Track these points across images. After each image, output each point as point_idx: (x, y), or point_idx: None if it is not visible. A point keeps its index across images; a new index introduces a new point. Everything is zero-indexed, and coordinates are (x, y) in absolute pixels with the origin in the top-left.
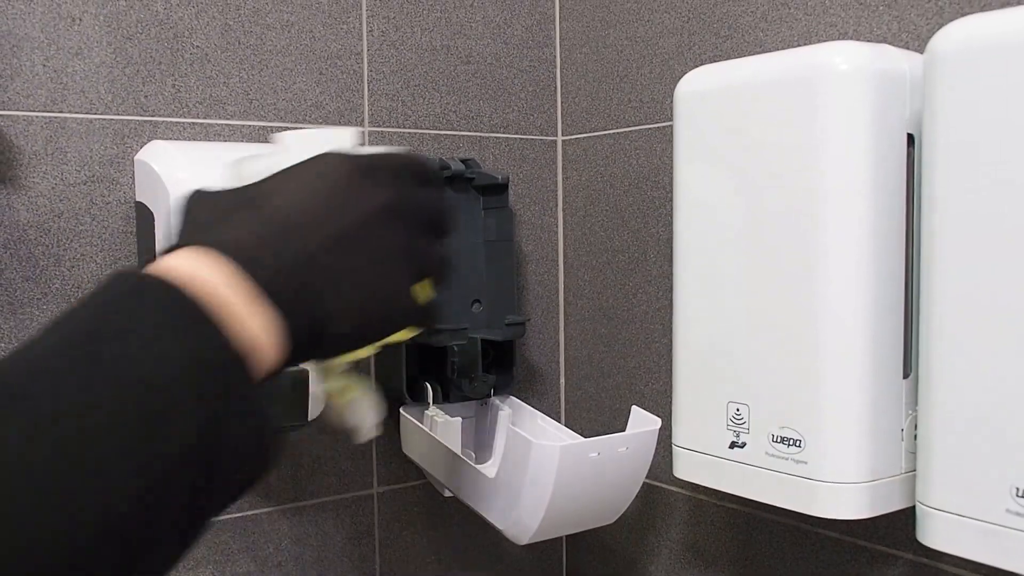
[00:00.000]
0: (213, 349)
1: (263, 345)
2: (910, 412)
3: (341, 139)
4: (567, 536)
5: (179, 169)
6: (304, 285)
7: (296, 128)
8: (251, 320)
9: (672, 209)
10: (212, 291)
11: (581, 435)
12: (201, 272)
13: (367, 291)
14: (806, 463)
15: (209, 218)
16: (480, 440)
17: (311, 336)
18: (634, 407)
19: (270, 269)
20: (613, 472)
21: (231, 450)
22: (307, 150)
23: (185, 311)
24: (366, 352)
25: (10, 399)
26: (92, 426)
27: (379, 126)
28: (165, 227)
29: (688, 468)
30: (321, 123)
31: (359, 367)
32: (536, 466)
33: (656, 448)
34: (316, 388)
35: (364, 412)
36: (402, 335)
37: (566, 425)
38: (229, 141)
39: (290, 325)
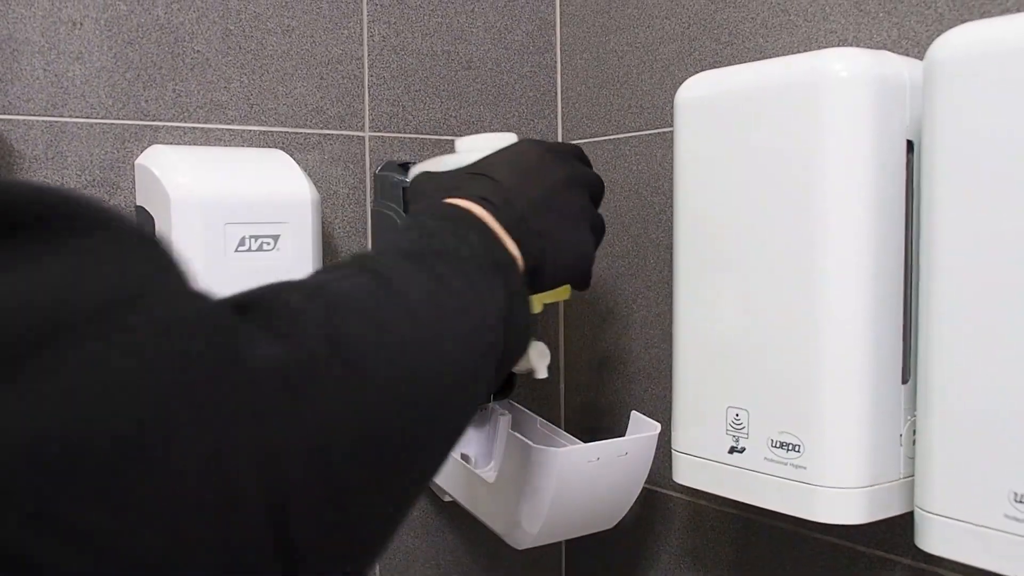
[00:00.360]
0: (503, 254)
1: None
2: (909, 417)
3: (511, 139)
4: (566, 541)
5: (180, 174)
6: (529, 228)
7: (298, 132)
8: (509, 244)
9: (672, 215)
10: (490, 221)
11: (581, 440)
12: (476, 210)
13: (566, 237)
14: (805, 468)
15: (444, 187)
16: (480, 445)
17: (534, 269)
18: (634, 412)
19: (509, 214)
20: (613, 477)
21: (518, 322)
22: (488, 148)
23: (484, 231)
24: (538, 307)
25: (410, 261)
26: (458, 289)
27: (380, 131)
28: (165, 232)
29: (687, 473)
30: (322, 128)
31: None
32: (536, 471)
33: (655, 453)
34: None
35: (540, 355)
36: (564, 293)
37: (566, 430)
38: (230, 146)
39: (524, 255)
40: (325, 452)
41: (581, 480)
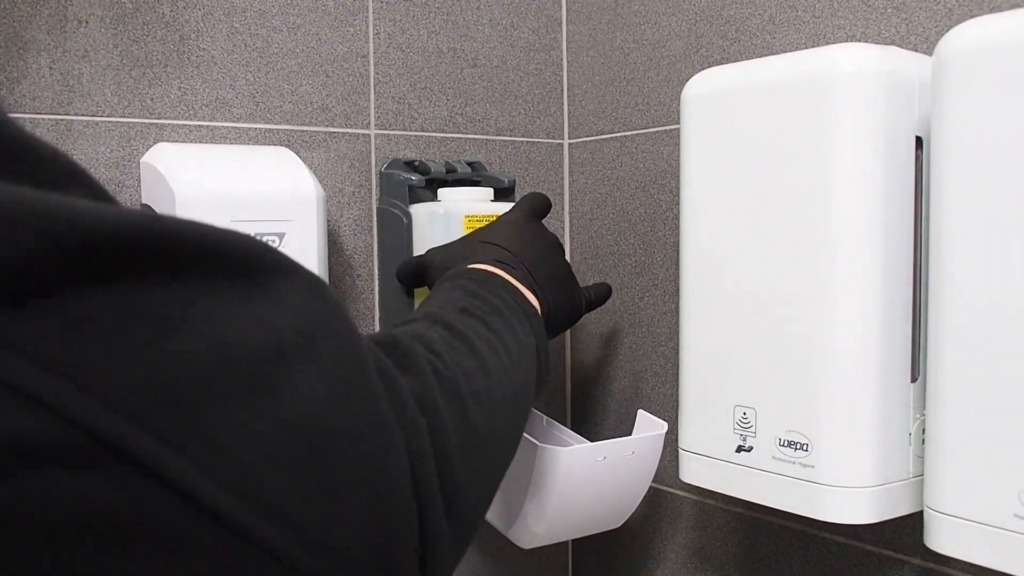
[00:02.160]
0: (529, 306)
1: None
2: (918, 416)
3: (487, 193)
4: (573, 541)
5: (185, 172)
6: (538, 284)
7: (304, 130)
8: (531, 298)
9: (679, 212)
10: (512, 280)
11: (588, 439)
12: (499, 272)
13: (564, 291)
14: (813, 467)
15: (461, 256)
16: None
17: (544, 320)
18: (640, 411)
19: (523, 274)
20: (619, 476)
21: (543, 364)
22: (465, 198)
23: (511, 289)
24: None
25: (469, 316)
26: (510, 339)
27: (385, 129)
28: None
29: (695, 472)
30: (327, 125)
31: None
32: (541, 470)
33: (663, 452)
34: None
35: None
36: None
37: (572, 429)
38: (235, 144)
39: (540, 307)
40: (445, 455)
41: (587, 479)
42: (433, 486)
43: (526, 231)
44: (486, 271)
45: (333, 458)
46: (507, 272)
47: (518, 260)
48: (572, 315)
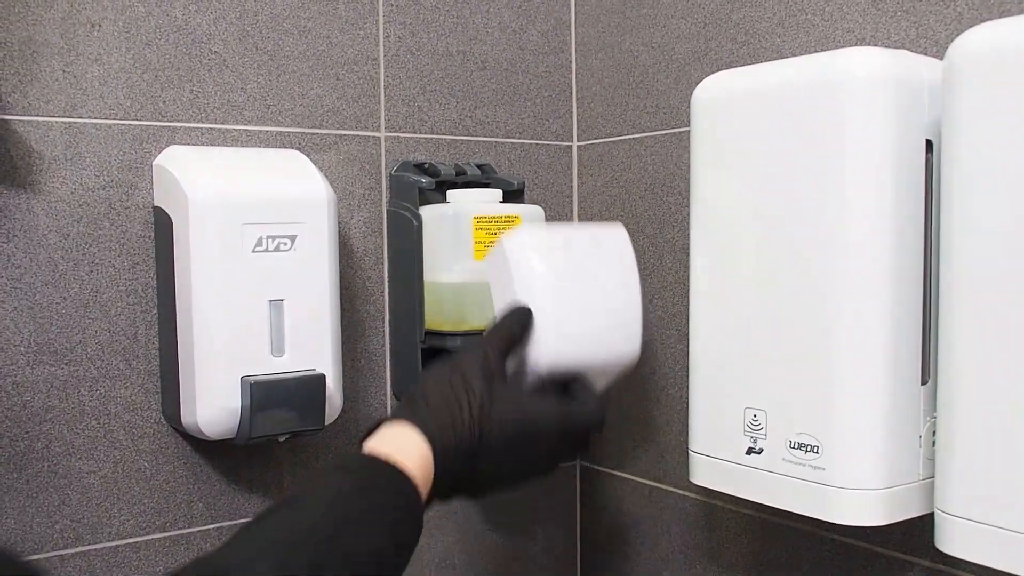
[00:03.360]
0: (418, 508)
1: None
2: (928, 418)
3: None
4: (581, 540)
5: (198, 174)
6: (475, 462)
7: (314, 132)
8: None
9: (688, 215)
10: (412, 479)
11: (597, 445)
12: (399, 464)
13: (521, 467)
14: (824, 469)
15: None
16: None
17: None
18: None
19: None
20: (597, 274)
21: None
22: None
23: (405, 496)
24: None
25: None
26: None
27: (395, 131)
28: (183, 232)
29: (705, 474)
30: (338, 128)
31: None
32: (512, 267)
33: (672, 454)
34: (332, 392)
35: None
36: None
37: None
38: (246, 146)
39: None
40: None
41: (562, 274)
42: None
43: (490, 387)
44: (385, 465)
45: None
46: (419, 452)
47: (460, 433)
48: (529, 478)
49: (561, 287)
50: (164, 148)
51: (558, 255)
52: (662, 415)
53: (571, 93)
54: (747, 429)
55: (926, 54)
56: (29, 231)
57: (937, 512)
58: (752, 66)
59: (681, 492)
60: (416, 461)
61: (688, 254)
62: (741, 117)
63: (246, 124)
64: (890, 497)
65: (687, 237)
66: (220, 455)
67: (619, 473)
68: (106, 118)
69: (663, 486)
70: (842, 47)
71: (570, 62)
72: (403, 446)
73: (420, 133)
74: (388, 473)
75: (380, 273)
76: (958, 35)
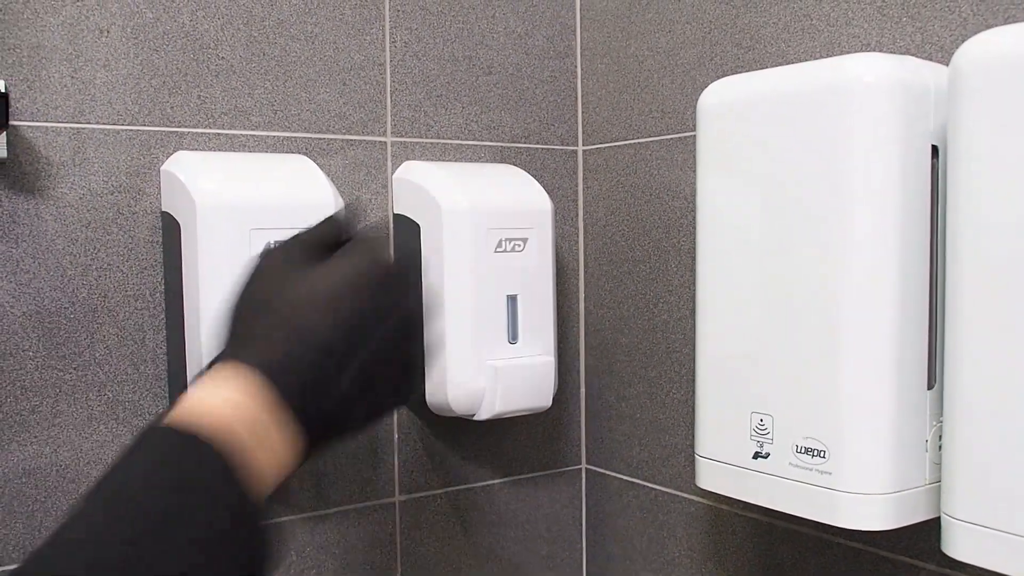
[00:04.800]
0: (251, 505)
1: (281, 460)
2: (935, 423)
3: None
4: (587, 545)
5: (206, 180)
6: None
7: (321, 137)
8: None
9: (693, 219)
10: (232, 429)
11: (603, 446)
12: (225, 441)
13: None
14: (830, 474)
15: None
16: None
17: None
18: None
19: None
20: None
21: (238, 564)
22: None
23: (203, 464)
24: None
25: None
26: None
27: (402, 136)
28: (191, 237)
29: (711, 478)
30: (345, 133)
31: None
32: None
33: (678, 458)
34: None
35: None
36: None
37: (586, 440)
38: (254, 151)
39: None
40: None
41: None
42: None
43: (348, 313)
44: (206, 444)
45: None
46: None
47: (305, 376)
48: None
49: None
50: (172, 153)
51: None
52: (668, 419)
53: (576, 98)
54: (754, 433)
55: (932, 60)
56: (37, 236)
57: (944, 516)
58: (758, 71)
59: (687, 496)
60: (228, 410)
61: (694, 258)
62: (747, 122)
63: (253, 129)
64: (897, 501)
65: (693, 241)
66: None
67: (625, 477)
68: (114, 123)
69: (669, 490)
70: (848, 53)
71: (575, 67)
72: (203, 396)
73: (426, 138)
74: (176, 449)
75: None
76: (964, 41)
